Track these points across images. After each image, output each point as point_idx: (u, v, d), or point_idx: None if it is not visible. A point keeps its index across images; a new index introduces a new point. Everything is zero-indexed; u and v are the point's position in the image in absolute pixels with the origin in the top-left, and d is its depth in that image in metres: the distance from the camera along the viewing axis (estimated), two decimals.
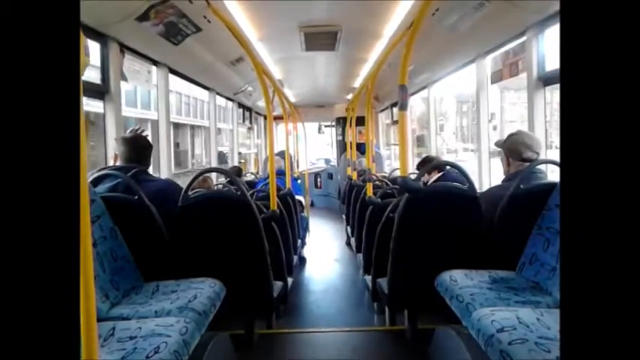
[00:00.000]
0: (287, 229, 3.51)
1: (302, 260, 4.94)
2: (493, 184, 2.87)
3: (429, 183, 3.12)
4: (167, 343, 1.41)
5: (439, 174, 3.12)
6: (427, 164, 3.32)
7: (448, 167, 3.21)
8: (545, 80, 2.87)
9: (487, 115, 3.81)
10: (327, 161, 10.11)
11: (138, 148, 2.41)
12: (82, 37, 0.91)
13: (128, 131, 2.63)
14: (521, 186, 2.15)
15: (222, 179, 4.82)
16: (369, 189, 3.58)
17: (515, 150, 2.38)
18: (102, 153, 3.07)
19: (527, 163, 2.31)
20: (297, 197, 4.68)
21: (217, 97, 5.80)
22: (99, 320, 1.22)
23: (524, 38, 2.98)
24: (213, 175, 4.75)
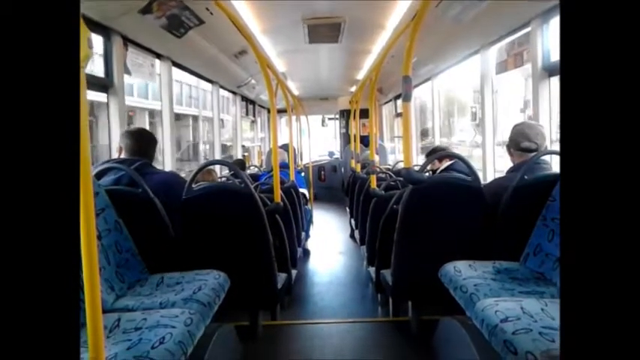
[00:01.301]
0: (291, 221, 3.51)
1: (306, 252, 4.96)
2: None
3: (438, 171, 3.11)
4: (172, 334, 1.42)
5: (449, 162, 3.11)
6: (435, 154, 3.31)
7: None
8: (550, 71, 2.85)
9: (491, 105, 3.79)
10: (331, 154, 10.10)
11: (142, 141, 2.42)
12: (86, 29, 0.91)
13: None
14: (526, 177, 2.15)
15: (226, 172, 4.83)
16: (373, 181, 3.58)
17: (514, 140, 2.38)
18: None
19: (531, 154, 2.30)
20: (301, 190, 4.68)
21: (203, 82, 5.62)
22: (104, 312, 1.23)
23: (528, 29, 2.95)
24: (217, 167, 4.75)
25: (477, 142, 3.94)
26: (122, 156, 2.41)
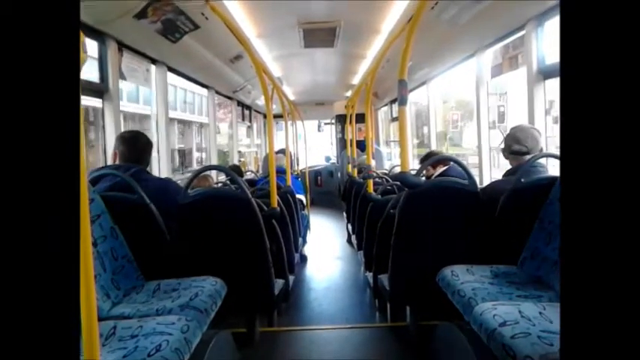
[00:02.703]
0: (288, 227, 3.50)
1: (303, 258, 4.94)
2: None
3: (433, 177, 3.11)
4: (169, 342, 1.40)
5: (444, 167, 3.11)
6: (431, 158, 3.31)
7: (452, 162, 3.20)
8: (545, 73, 2.86)
9: (487, 107, 3.80)
10: (328, 159, 10.10)
11: (136, 147, 2.40)
12: (80, 34, 0.90)
13: None
14: (522, 180, 2.15)
15: (222, 177, 4.82)
16: (370, 186, 3.58)
17: (506, 144, 2.40)
18: None
19: (525, 157, 2.30)
20: (298, 195, 4.66)
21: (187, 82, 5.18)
22: (100, 319, 1.22)
23: (523, 32, 2.97)
24: (213, 173, 4.74)
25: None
26: (117, 162, 2.39)
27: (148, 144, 2.46)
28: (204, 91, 5.80)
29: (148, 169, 2.47)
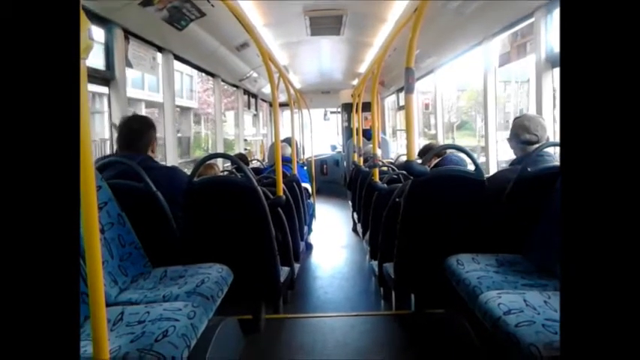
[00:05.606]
0: (293, 215, 3.51)
1: (308, 246, 4.96)
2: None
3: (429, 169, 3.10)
4: (175, 327, 1.42)
5: (438, 159, 3.10)
6: (428, 152, 3.30)
7: (448, 151, 3.19)
8: (554, 62, 2.83)
9: (494, 97, 3.77)
10: (333, 147, 10.08)
11: (130, 133, 2.33)
12: (86, 20, 0.91)
13: None
14: (529, 169, 2.13)
15: (228, 165, 4.83)
16: (376, 174, 3.57)
17: (514, 133, 2.37)
18: None
19: (534, 146, 2.28)
20: (304, 184, 4.67)
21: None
22: (108, 305, 1.23)
23: (532, 19, 2.93)
24: (219, 161, 4.75)
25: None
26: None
27: (144, 127, 2.38)
28: (188, 69, 5.44)
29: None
